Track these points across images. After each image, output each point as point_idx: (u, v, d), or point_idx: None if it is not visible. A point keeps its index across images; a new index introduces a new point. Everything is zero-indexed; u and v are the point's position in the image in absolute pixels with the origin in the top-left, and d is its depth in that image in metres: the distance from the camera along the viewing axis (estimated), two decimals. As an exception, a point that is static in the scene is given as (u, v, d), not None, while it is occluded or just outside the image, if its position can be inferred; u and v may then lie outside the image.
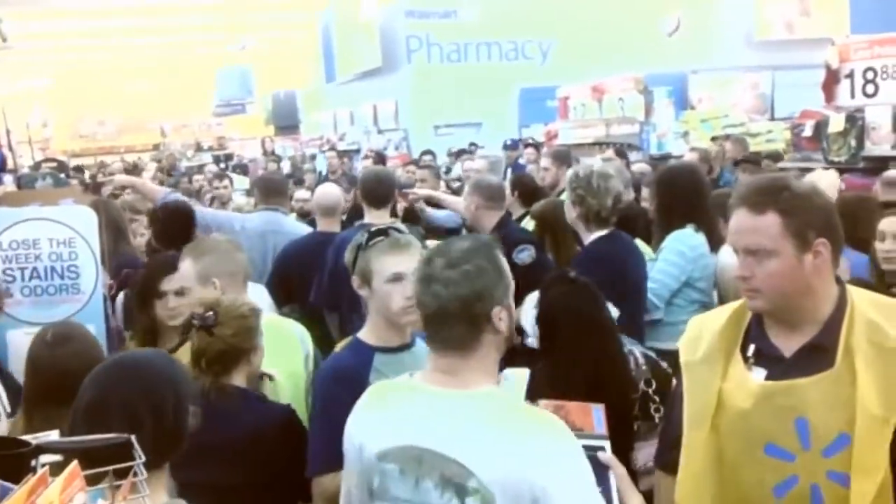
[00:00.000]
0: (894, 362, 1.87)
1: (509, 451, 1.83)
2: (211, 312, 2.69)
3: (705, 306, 4.31)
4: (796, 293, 2.00)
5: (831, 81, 7.91)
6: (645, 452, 2.83)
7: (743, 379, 2.02)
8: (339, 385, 2.50)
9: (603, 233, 4.11)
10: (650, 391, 2.98)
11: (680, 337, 4.15)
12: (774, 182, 2.08)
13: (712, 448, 2.05)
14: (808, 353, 1.99)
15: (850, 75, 7.55)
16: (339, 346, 3.04)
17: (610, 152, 8.41)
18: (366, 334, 2.75)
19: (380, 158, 12.02)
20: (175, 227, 4.68)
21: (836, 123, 7.18)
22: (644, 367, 3.04)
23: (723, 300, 4.24)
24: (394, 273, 2.63)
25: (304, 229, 5.62)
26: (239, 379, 2.74)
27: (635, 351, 3.12)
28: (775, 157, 8.51)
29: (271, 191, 5.69)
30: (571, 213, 4.19)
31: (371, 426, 2.03)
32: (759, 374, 2.02)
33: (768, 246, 1.99)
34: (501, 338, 2.02)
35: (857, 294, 2.01)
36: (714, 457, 2.05)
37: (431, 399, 1.97)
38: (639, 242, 4.63)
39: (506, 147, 12.28)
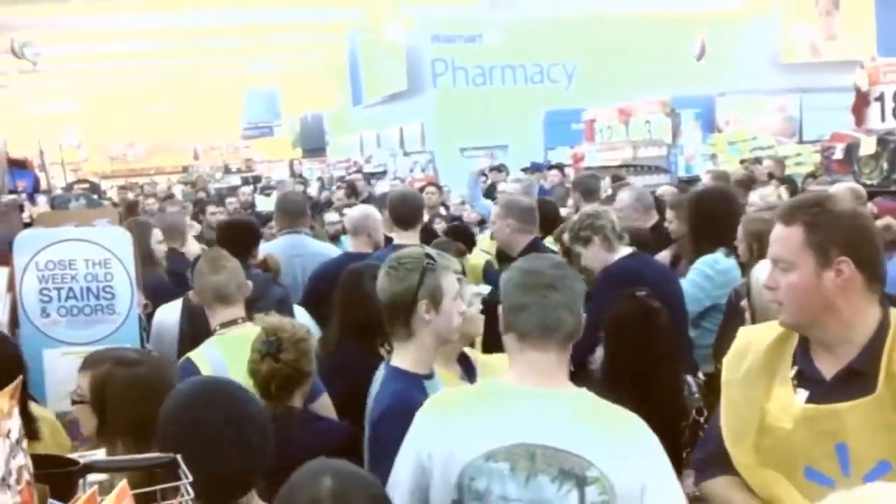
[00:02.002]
0: None
1: (619, 444, 1.99)
2: (275, 337, 2.80)
3: (726, 331, 4.28)
4: (816, 310, 1.98)
5: (861, 104, 7.87)
6: (693, 481, 2.80)
7: (787, 400, 2.01)
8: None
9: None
10: (701, 420, 2.96)
11: (708, 359, 4.19)
12: (811, 197, 2.11)
13: (749, 469, 2.04)
14: (847, 377, 1.96)
15: (881, 98, 7.51)
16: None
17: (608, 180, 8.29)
18: (406, 363, 2.66)
19: (352, 189, 12.00)
20: (238, 242, 4.67)
21: (868, 146, 7.13)
22: (697, 395, 3.02)
23: (753, 318, 4.20)
24: (457, 290, 2.68)
25: (329, 248, 5.63)
26: (298, 400, 2.86)
27: (689, 379, 3.10)
28: (812, 175, 8.48)
29: (292, 213, 5.66)
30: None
31: (463, 432, 2.07)
32: (802, 395, 2.00)
33: (788, 257, 2.00)
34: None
35: None
36: (752, 477, 2.05)
37: (534, 398, 2.07)
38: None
39: (527, 170, 12.17)
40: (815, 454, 1.94)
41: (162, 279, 5.00)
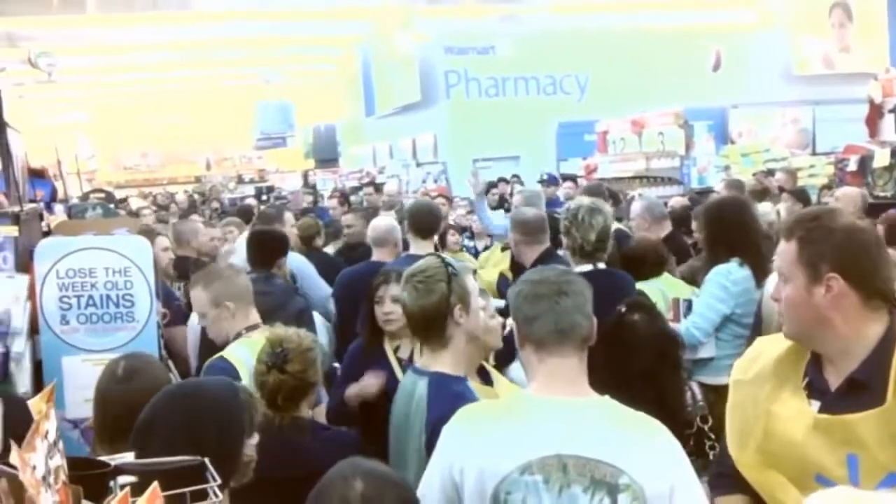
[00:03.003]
0: None
1: (646, 450, 2.02)
2: (280, 349, 2.84)
3: (750, 342, 4.28)
4: (810, 323, 2.02)
5: (875, 116, 7.89)
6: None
7: (801, 409, 2.03)
8: None
9: (586, 268, 4.00)
10: (706, 428, 2.96)
11: (725, 371, 4.18)
12: (811, 212, 2.13)
13: (753, 470, 2.08)
14: (848, 389, 1.98)
15: (895, 110, 7.51)
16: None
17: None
18: (447, 367, 2.69)
19: (344, 198, 12.31)
20: (267, 251, 4.86)
21: (882, 158, 7.13)
22: (701, 403, 3.01)
23: (763, 331, 4.21)
24: (477, 288, 2.78)
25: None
26: (305, 409, 2.91)
27: (693, 386, 3.10)
28: (828, 187, 8.48)
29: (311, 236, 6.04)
30: (565, 244, 4.20)
31: (493, 446, 2.08)
32: (815, 406, 2.02)
33: (785, 271, 2.05)
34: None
35: None
36: (755, 478, 2.08)
37: (560, 408, 2.10)
38: (667, 278, 4.65)
39: (542, 182, 12.10)
40: (826, 463, 1.95)
41: (167, 288, 5.05)
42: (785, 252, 2.05)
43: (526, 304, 2.20)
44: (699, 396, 3.06)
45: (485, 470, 2.06)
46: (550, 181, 11.29)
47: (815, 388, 2.04)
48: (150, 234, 5.24)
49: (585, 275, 3.91)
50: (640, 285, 4.36)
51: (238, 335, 3.51)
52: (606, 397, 2.17)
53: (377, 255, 5.26)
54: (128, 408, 2.52)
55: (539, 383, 2.17)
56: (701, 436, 2.95)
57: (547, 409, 2.10)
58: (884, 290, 1.99)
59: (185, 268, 5.53)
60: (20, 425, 1.26)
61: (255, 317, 3.60)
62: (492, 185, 13.30)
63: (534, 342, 2.18)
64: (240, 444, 1.96)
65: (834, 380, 2.02)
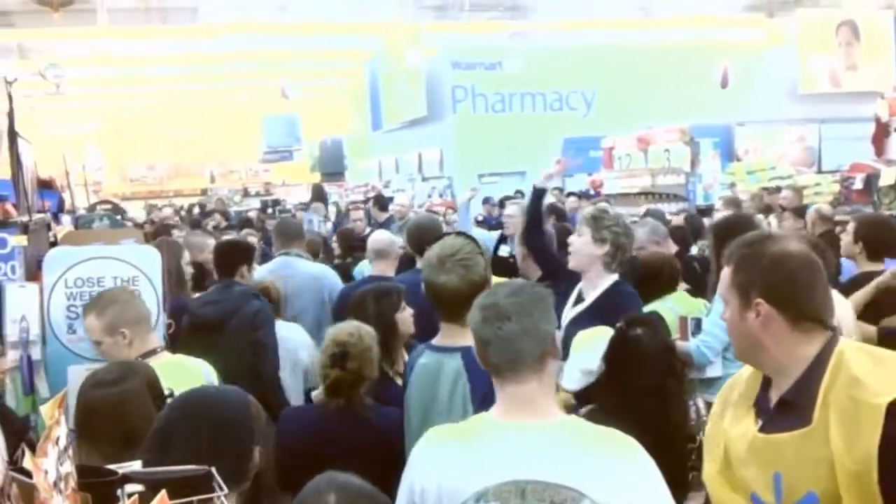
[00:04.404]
0: (871, 417, 1.82)
1: (610, 470, 1.96)
2: (340, 349, 3.22)
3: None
4: (746, 346, 2.08)
5: (881, 134, 7.90)
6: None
7: (746, 428, 2.07)
8: None
9: (615, 277, 4.01)
10: None
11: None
12: (747, 238, 2.16)
13: (713, 483, 2.13)
14: (780, 409, 2.02)
15: (902, 129, 7.52)
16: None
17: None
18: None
19: (379, 201, 11.71)
20: (228, 260, 4.88)
21: (888, 176, 7.14)
22: (704, 418, 3.00)
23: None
24: None
25: (318, 268, 5.88)
26: (362, 394, 3.27)
27: (698, 401, 3.10)
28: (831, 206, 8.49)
29: (287, 235, 5.97)
30: (596, 251, 3.98)
31: (453, 471, 2.03)
32: (758, 424, 2.07)
33: (722, 295, 2.13)
34: (557, 363, 2.17)
35: (850, 351, 1.98)
36: (712, 493, 2.14)
37: (521, 432, 2.03)
38: (682, 296, 4.65)
39: (572, 195, 11.92)
40: (759, 481, 1.99)
41: (184, 301, 5.02)
42: (723, 277, 2.12)
43: (479, 328, 2.14)
44: (703, 411, 3.05)
45: (443, 496, 2.02)
46: (583, 195, 11.12)
47: (761, 407, 2.09)
48: (175, 247, 5.26)
49: (620, 283, 3.98)
50: (653, 305, 4.34)
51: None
52: (573, 417, 2.13)
53: (377, 269, 5.30)
54: (83, 408, 2.54)
55: (500, 407, 2.11)
56: (702, 451, 2.94)
57: (506, 434, 2.04)
58: (812, 314, 2.01)
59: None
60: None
61: (153, 341, 3.39)
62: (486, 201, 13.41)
63: (491, 367, 2.13)
64: (252, 452, 1.99)
65: (774, 399, 2.06)
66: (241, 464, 1.95)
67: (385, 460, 2.83)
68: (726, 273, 2.10)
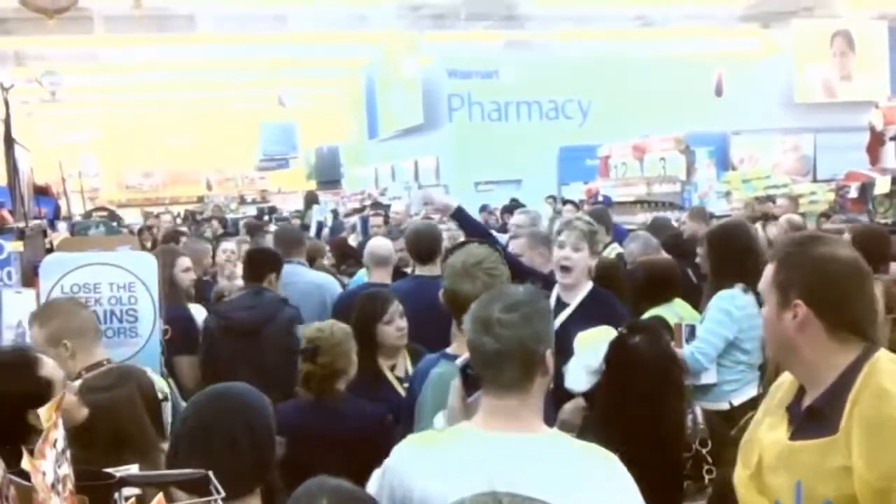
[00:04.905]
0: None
1: (589, 488, 1.92)
2: (312, 345, 3.36)
3: (751, 368, 4.29)
4: (781, 346, 2.05)
5: (876, 143, 7.94)
6: None
7: (779, 435, 2.04)
8: None
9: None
10: (704, 451, 2.94)
11: (724, 397, 4.18)
12: (797, 236, 2.17)
13: (742, 489, 2.10)
14: (809, 416, 1.98)
15: (896, 138, 7.56)
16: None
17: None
18: None
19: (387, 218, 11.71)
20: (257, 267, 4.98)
21: (883, 185, 7.16)
22: (702, 426, 3.00)
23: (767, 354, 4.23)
24: None
25: (321, 276, 5.87)
26: (342, 385, 3.41)
27: (696, 410, 3.09)
28: (825, 216, 8.51)
29: (288, 243, 5.91)
30: (590, 263, 4.12)
31: (430, 479, 2.01)
32: (789, 432, 2.03)
33: (762, 291, 2.08)
34: (547, 379, 2.11)
35: (885, 362, 1.94)
36: (741, 497, 2.10)
37: (502, 444, 2.00)
38: (681, 303, 4.67)
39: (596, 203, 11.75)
40: (783, 489, 1.96)
41: (181, 307, 5.01)
42: (765, 273, 2.08)
43: (469, 337, 2.09)
44: (700, 420, 3.05)
45: (426, 498, 2.00)
46: (606, 202, 11.04)
47: (793, 414, 2.05)
48: (172, 254, 5.25)
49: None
50: (659, 310, 4.37)
51: (78, 376, 3.01)
52: (555, 430, 2.10)
53: (375, 276, 5.30)
54: (101, 416, 2.48)
55: (484, 415, 2.08)
56: (699, 459, 2.94)
57: (488, 444, 2.00)
58: (851, 322, 1.96)
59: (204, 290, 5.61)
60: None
61: (99, 354, 3.25)
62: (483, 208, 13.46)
63: (478, 373, 2.10)
64: (275, 444, 2.06)
65: (805, 405, 2.03)
66: (271, 459, 2.01)
67: (360, 452, 2.90)
68: (769, 270, 2.06)
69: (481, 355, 2.05)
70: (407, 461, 2.11)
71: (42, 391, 2.23)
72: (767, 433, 2.06)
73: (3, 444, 2.06)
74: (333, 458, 2.75)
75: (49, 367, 2.37)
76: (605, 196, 11.29)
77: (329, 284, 5.78)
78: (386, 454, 2.33)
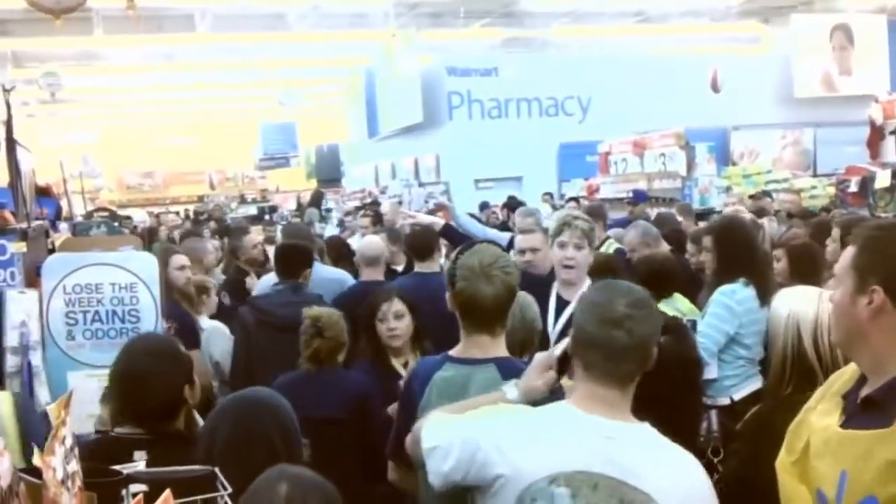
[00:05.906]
0: None
1: (681, 485, 1.99)
2: (319, 323, 3.79)
3: (752, 363, 4.29)
4: (849, 332, 1.99)
5: (876, 138, 7.94)
6: None
7: (830, 422, 2.01)
8: None
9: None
10: (716, 461, 2.90)
11: (725, 392, 4.18)
12: (882, 222, 2.13)
13: (785, 475, 2.08)
14: (865, 406, 1.94)
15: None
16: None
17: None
18: (505, 351, 2.76)
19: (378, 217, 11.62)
20: (293, 263, 5.02)
21: (883, 179, 7.18)
22: (716, 434, 2.96)
23: (769, 349, 4.22)
24: None
25: (336, 272, 5.87)
26: (341, 357, 3.88)
27: (712, 417, 3.05)
28: (826, 210, 8.52)
29: (300, 239, 5.91)
30: (590, 260, 4.21)
31: (530, 451, 2.05)
32: (841, 420, 2.00)
33: (837, 274, 2.03)
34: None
35: None
36: (782, 483, 2.08)
37: (599, 427, 2.05)
38: (681, 298, 4.68)
39: (630, 202, 11.60)
40: (827, 477, 1.93)
41: (178, 307, 5.01)
42: (844, 255, 2.02)
43: (584, 324, 2.13)
44: (714, 428, 3.00)
45: (518, 470, 2.02)
46: (639, 198, 10.96)
47: (848, 402, 2.01)
48: (166, 251, 5.26)
49: None
50: (661, 305, 4.37)
51: None
52: (646, 424, 2.12)
53: (367, 275, 5.32)
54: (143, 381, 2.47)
55: (582, 398, 2.12)
56: (709, 468, 2.91)
57: (586, 426, 2.06)
58: None
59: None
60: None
61: None
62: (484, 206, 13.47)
63: (583, 362, 2.13)
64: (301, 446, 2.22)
65: (863, 395, 1.99)
66: (300, 462, 2.09)
67: (359, 421, 3.56)
68: (848, 252, 2.00)
69: (608, 349, 2.08)
70: (500, 426, 2.13)
71: (191, 369, 2.59)
72: (819, 419, 2.03)
73: (172, 419, 2.42)
74: (334, 428, 3.49)
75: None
76: (640, 191, 11.23)
77: (345, 279, 5.78)
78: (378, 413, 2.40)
